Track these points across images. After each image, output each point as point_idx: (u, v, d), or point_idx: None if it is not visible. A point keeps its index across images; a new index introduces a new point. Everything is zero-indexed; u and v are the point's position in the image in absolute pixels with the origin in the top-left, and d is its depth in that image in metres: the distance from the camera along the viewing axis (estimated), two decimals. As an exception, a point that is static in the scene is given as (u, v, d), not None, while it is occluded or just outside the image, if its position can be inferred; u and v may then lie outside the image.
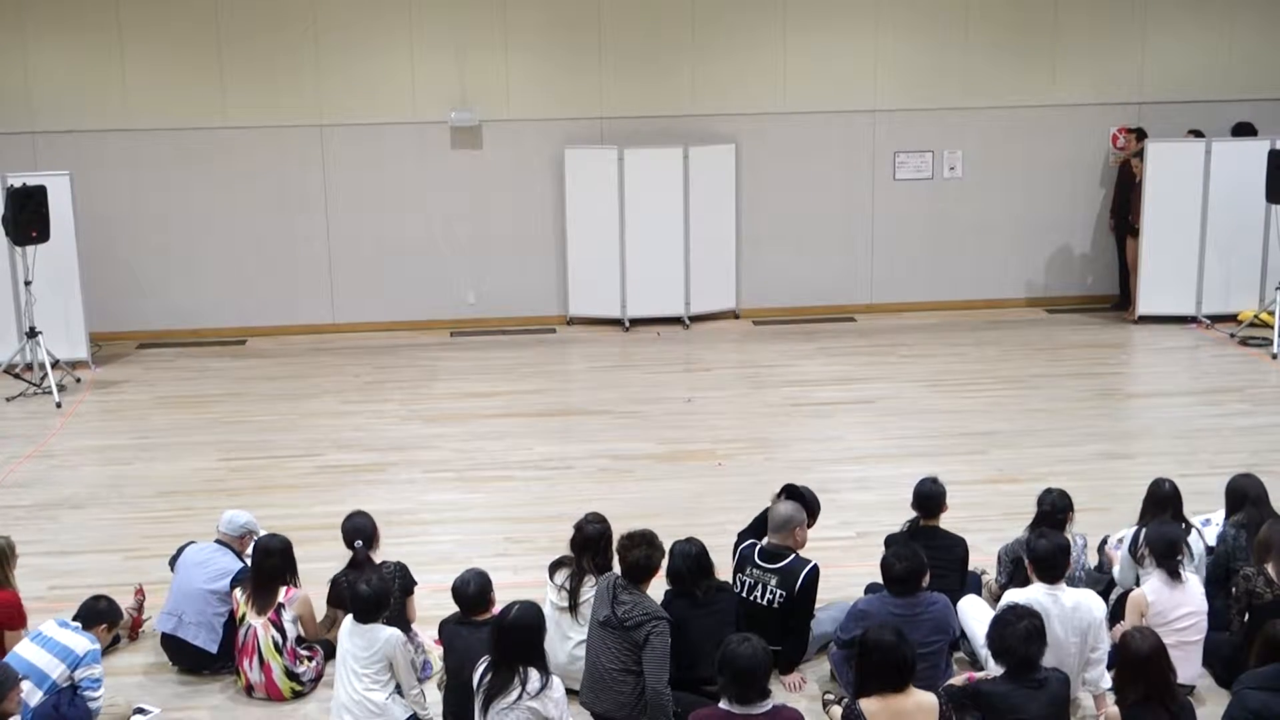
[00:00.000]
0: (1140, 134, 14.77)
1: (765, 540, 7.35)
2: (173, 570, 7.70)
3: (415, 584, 7.45)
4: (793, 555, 7.21)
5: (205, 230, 14.74)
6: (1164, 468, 9.81)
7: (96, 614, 7.10)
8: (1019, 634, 6.01)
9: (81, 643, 6.73)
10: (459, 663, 6.53)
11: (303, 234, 14.85)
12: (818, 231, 15.37)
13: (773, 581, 7.13)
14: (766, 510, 7.50)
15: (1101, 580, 7.69)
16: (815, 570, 7.17)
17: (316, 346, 14.51)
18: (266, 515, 9.06)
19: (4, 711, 6.04)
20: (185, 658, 7.43)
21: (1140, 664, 5.92)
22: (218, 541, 7.64)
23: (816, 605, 7.38)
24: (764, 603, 7.12)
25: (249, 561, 7.49)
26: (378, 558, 7.50)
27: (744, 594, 7.18)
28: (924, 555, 6.82)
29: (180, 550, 7.76)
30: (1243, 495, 7.63)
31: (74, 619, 7.00)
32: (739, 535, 7.56)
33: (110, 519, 9.76)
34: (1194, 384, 12.77)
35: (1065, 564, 6.82)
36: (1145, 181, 14.43)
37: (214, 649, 7.33)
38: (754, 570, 7.21)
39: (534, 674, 6.12)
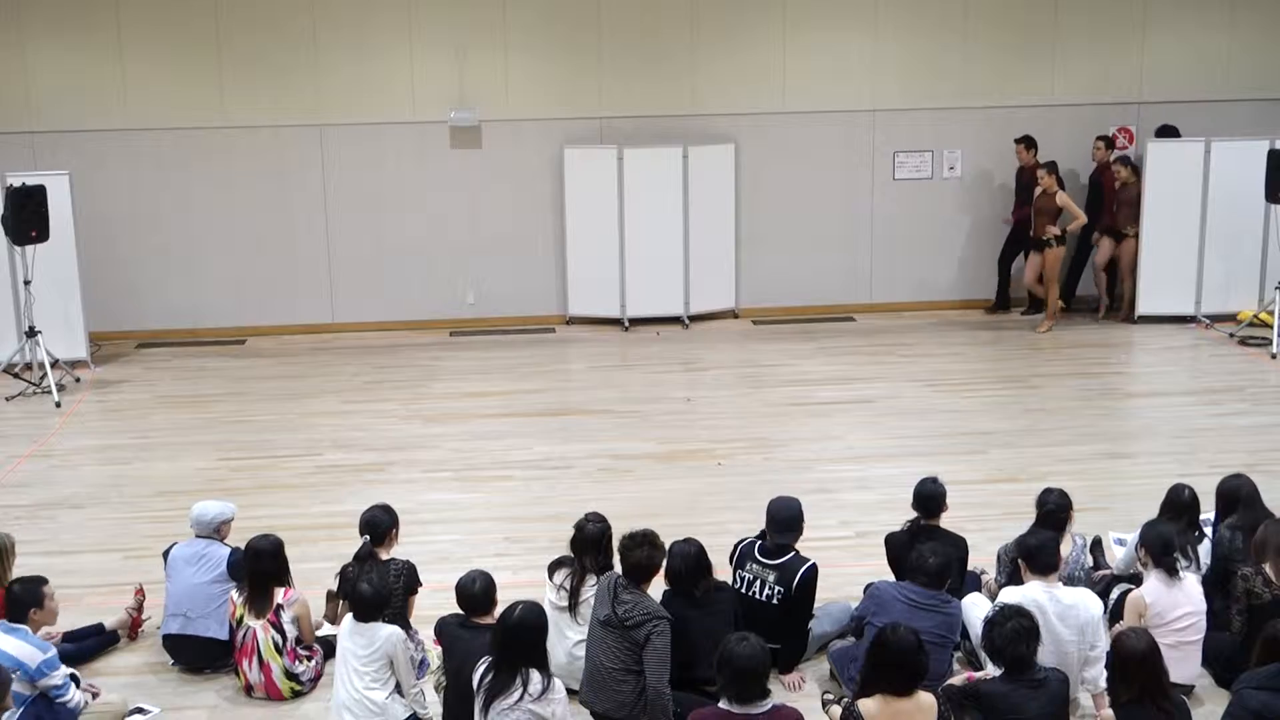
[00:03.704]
0: (1031, 142, 14.63)
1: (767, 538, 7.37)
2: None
3: (419, 585, 7.46)
4: (793, 553, 7.23)
5: (205, 230, 14.75)
6: (1164, 467, 9.86)
7: (16, 603, 6.78)
8: (1006, 634, 6.03)
9: (29, 653, 6.49)
10: (459, 665, 6.52)
11: (302, 234, 14.85)
12: (817, 231, 15.37)
13: (771, 577, 7.16)
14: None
15: (1100, 580, 7.71)
16: (813, 569, 7.19)
17: (316, 346, 14.51)
18: (266, 515, 9.11)
19: (0, 708, 6.06)
20: (193, 654, 7.42)
21: (1133, 663, 5.92)
22: (198, 537, 7.63)
23: (816, 605, 7.40)
24: (762, 598, 7.15)
25: (235, 545, 7.52)
26: (396, 553, 7.52)
27: (743, 589, 7.21)
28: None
29: (167, 552, 7.74)
30: (1235, 497, 7.67)
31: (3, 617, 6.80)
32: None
33: (110, 518, 9.75)
34: (1194, 384, 12.76)
35: (1056, 555, 6.86)
36: (1146, 187, 14.46)
37: (225, 636, 7.32)
38: (753, 566, 7.24)
39: (536, 676, 6.10)
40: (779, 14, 14.91)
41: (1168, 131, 14.88)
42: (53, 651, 6.64)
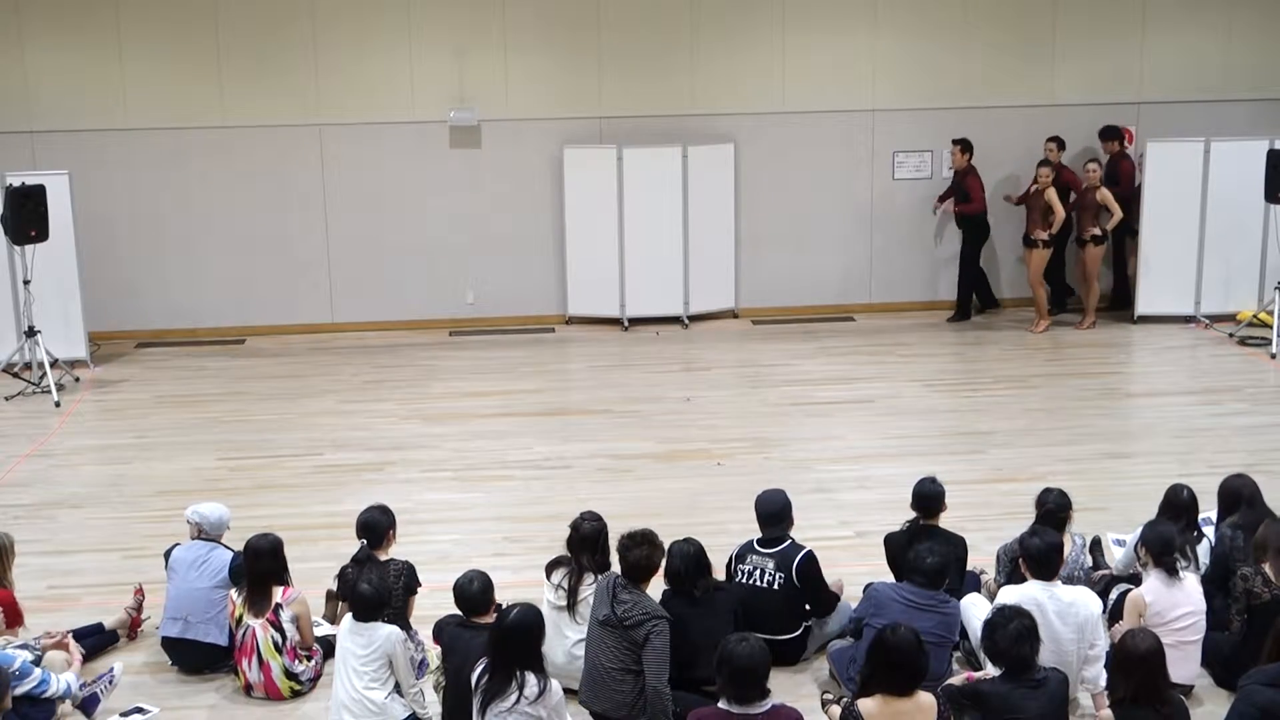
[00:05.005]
0: (967, 145, 14.57)
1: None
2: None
3: (419, 585, 7.46)
4: (788, 541, 7.34)
5: (204, 230, 14.74)
6: (1164, 467, 9.86)
7: None
8: (1009, 635, 6.02)
9: None
10: (459, 665, 6.52)
11: (302, 234, 14.85)
12: (817, 231, 15.37)
13: (770, 565, 7.26)
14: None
15: (1100, 580, 7.71)
16: (810, 554, 7.30)
17: (315, 346, 14.51)
18: (266, 515, 9.11)
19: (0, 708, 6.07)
20: (192, 657, 7.42)
21: (1131, 663, 5.92)
22: (202, 538, 7.63)
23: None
24: (764, 585, 7.23)
25: (235, 548, 7.52)
26: (395, 553, 7.54)
27: (745, 580, 7.28)
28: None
29: (168, 553, 7.74)
30: (1237, 496, 7.68)
31: None
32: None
33: (109, 518, 9.75)
34: (1193, 384, 12.76)
35: (1059, 562, 6.87)
36: (1145, 184, 14.47)
37: (225, 642, 7.33)
38: (753, 557, 7.34)
39: (532, 678, 6.10)
40: (779, 14, 14.90)
41: (1111, 133, 14.83)
42: (19, 659, 6.63)
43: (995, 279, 15.49)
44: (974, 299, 15.23)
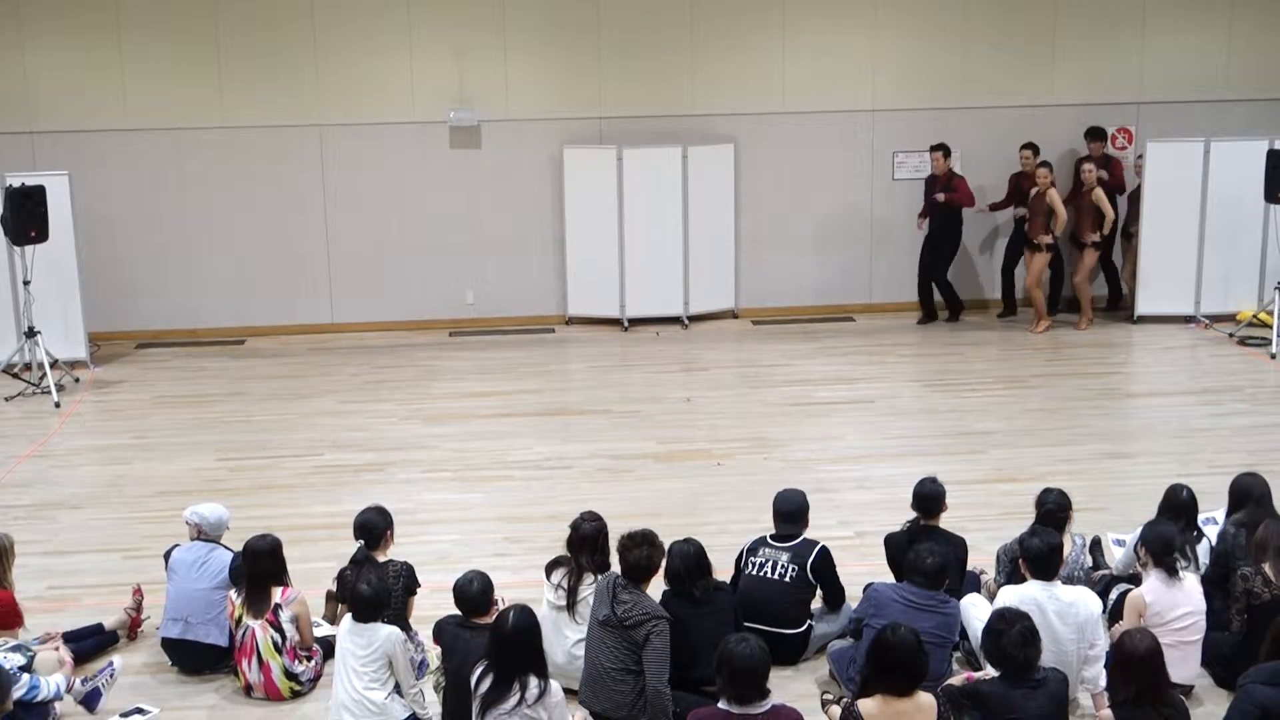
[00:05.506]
0: (947, 151, 14.57)
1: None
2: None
3: (419, 585, 7.47)
4: (802, 537, 7.42)
5: (204, 230, 14.75)
6: (1163, 467, 9.86)
7: None
8: (1014, 640, 6.01)
9: None
10: (459, 665, 6.52)
11: (302, 234, 14.85)
12: (817, 231, 15.37)
13: (784, 558, 7.33)
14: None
15: (1099, 580, 7.71)
16: (825, 550, 7.39)
17: (315, 346, 14.51)
18: (265, 515, 9.12)
19: (1, 710, 6.06)
20: (192, 658, 7.42)
21: (1132, 664, 5.92)
22: (201, 539, 7.63)
23: (814, 604, 7.48)
24: (775, 576, 7.29)
25: (234, 548, 7.51)
26: (395, 554, 7.54)
27: (756, 573, 7.34)
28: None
29: (168, 553, 7.74)
30: (1246, 494, 7.66)
31: None
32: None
33: (109, 519, 9.75)
34: (1193, 384, 12.76)
35: (1058, 563, 6.87)
36: (1145, 184, 14.47)
37: (225, 643, 7.33)
38: (765, 550, 7.41)
39: (533, 681, 6.09)
40: (779, 14, 14.90)
41: (1097, 133, 14.81)
42: (8, 664, 6.63)
43: (984, 280, 15.49)
44: (940, 301, 15.14)
